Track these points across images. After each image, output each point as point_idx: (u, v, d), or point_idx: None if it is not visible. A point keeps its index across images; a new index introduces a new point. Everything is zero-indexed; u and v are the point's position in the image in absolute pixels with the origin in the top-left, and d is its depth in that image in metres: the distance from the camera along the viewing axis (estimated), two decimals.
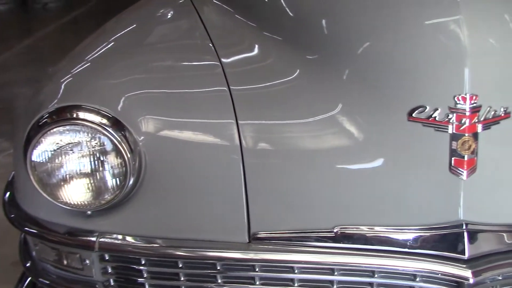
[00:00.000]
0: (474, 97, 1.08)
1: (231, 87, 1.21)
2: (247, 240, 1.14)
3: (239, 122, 1.15)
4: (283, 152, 1.14)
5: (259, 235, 1.14)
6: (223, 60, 1.30)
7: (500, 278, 1.13)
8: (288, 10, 1.40)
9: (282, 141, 1.15)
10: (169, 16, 1.74)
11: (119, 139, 1.12)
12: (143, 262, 1.18)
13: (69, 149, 1.12)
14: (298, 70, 1.25)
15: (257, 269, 1.14)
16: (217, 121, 1.17)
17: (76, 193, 1.14)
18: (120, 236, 1.18)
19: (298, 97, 1.19)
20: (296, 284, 1.15)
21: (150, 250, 1.18)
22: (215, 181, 1.15)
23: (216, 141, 1.16)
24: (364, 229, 1.13)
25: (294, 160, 1.14)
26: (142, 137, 1.15)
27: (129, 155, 1.12)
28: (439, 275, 1.10)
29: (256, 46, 1.37)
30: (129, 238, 1.18)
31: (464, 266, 1.09)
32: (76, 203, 1.15)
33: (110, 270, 1.22)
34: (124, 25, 1.65)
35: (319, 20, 1.30)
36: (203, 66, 1.33)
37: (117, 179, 1.13)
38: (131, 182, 1.13)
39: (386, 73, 1.16)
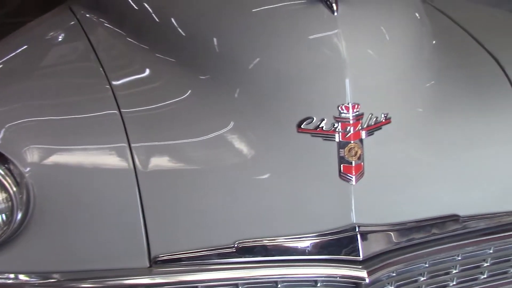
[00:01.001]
0: (356, 106, 1.14)
1: (122, 110, 1.19)
2: (148, 265, 1.12)
3: (132, 145, 1.14)
4: (177, 172, 1.14)
5: (160, 259, 1.12)
6: (114, 83, 1.28)
7: (394, 274, 1.19)
8: (178, 32, 1.40)
9: (175, 161, 1.15)
10: (58, 40, 1.68)
11: (3, 173, 1.06)
12: None
13: None
14: (190, 91, 1.25)
15: None
16: (109, 145, 1.15)
17: None
18: (12, 275, 1.12)
19: (190, 117, 1.20)
20: None
21: (46, 286, 1.13)
22: (111, 208, 1.12)
23: (109, 166, 1.13)
24: (263, 241, 1.15)
25: (189, 179, 1.14)
26: (28, 168, 1.09)
27: (14, 189, 1.06)
28: (338, 278, 1.14)
29: (148, 68, 1.36)
30: (22, 276, 1.12)
31: (360, 267, 1.14)
32: None
33: None
34: (10, 49, 1.57)
35: (208, 40, 1.31)
36: (92, 90, 1.30)
37: (3, 215, 1.07)
38: (19, 217, 1.07)
39: (274, 88, 1.20)
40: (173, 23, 1.43)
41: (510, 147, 1.27)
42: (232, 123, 1.18)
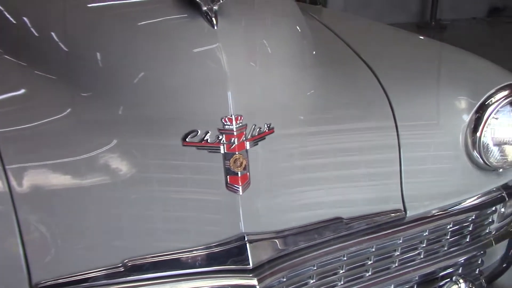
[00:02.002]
0: (239, 117, 1.16)
1: None
2: None
3: (6, 167, 1.07)
4: (57, 194, 1.09)
5: (42, 285, 1.07)
6: None
7: (284, 279, 1.23)
8: (58, 47, 1.35)
9: (54, 183, 1.10)
10: None
11: None
12: None
13: None
14: (69, 109, 1.21)
15: None
16: None
17: None
18: None
19: (70, 135, 1.15)
20: None
21: None
22: None
23: None
24: (153, 258, 1.14)
25: (69, 201, 1.10)
26: None
27: None
28: None
29: (25, 86, 1.29)
30: None
31: (250, 275, 1.16)
32: None
33: None
34: None
35: (90, 55, 1.28)
36: None
37: None
38: None
39: (159, 103, 1.19)
40: (52, 37, 1.38)
41: (386, 150, 1.36)
42: (114, 141, 1.15)
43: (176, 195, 1.16)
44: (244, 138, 1.17)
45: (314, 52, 1.52)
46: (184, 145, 1.16)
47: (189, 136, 1.15)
